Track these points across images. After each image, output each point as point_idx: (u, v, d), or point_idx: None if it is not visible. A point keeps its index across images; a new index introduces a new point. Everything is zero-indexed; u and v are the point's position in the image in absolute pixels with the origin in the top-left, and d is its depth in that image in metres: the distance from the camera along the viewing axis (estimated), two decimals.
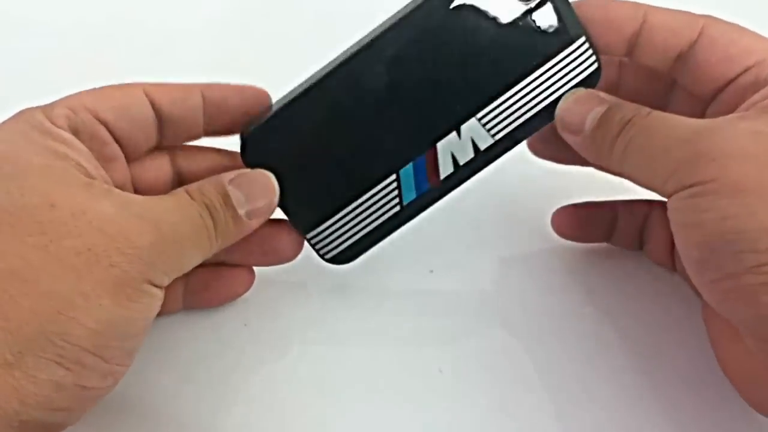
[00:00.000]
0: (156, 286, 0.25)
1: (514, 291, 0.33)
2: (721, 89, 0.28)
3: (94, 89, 0.27)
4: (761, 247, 0.23)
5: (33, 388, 0.22)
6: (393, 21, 0.28)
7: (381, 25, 0.29)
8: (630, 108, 0.27)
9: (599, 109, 0.28)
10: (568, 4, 0.28)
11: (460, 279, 0.34)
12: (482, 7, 0.28)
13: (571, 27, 0.28)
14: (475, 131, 0.29)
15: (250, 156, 0.29)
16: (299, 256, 0.31)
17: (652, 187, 0.26)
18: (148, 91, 0.27)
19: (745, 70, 0.27)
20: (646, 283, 0.33)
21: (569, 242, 0.34)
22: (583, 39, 0.28)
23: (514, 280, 0.34)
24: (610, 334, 0.31)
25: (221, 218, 0.27)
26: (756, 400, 0.27)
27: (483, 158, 0.29)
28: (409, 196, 0.30)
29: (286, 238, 0.31)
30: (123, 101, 0.27)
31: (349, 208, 0.30)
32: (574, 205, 0.33)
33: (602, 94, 0.28)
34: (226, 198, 0.27)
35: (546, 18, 0.28)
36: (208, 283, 0.32)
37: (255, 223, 0.28)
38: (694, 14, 0.28)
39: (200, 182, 0.27)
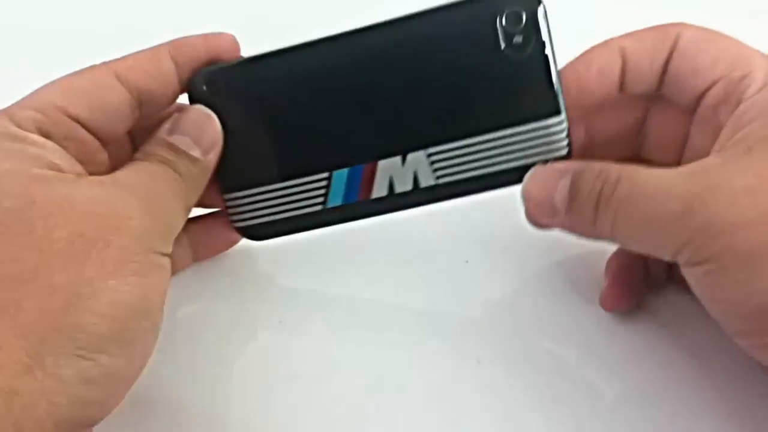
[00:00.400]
0: (161, 254, 0.24)
1: (549, 284, 0.33)
2: (697, 102, 0.28)
3: (61, 81, 0.26)
4: None
5: (60, 387, 0.21)
6: (397, 18, 0.27)
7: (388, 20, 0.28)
8: (592, 175, 0.26)
9: (564, 183, 0.26)
10: (559, 77, 0.27)
11: (495, 270, 0.33)
12: (487, 41, 0.27)
13: (554, 100, 0.27)
14: (420, 165, 0.28)
15: (194, 94, 0.28)
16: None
17: (653, 255, 0.25)
18: (118, 71, 0.26)
19: (713, 84, 0.27)
20: None
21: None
22: (561, 118, 0.27)
23: (549, 270, 0.33)
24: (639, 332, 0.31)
25: (182, 168, 0.27)
26: None
27: (420, 195, 0.29)
28: (335, 200, 0.29)
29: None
30: (95, 92, 0.26)
31: (275, 186, 0.29)
32: (615, 285, 0.31)
33: (558, 165, 0.27)
34: (173, 147, 0.27)
35: (536, 81, 0.27)
36: (209, 228, 0.32)
37: (212, 156, 0.28)
38: (664, 27, 0.28)
39: (143, 146, 0.27)
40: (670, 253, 0.24)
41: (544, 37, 0.27)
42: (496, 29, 0.27)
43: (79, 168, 0.26)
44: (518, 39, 0.27)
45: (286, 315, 0.32)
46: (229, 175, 0.29)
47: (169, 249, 0.25)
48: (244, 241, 0.31)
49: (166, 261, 0.25)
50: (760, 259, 0.22)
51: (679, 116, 0.29)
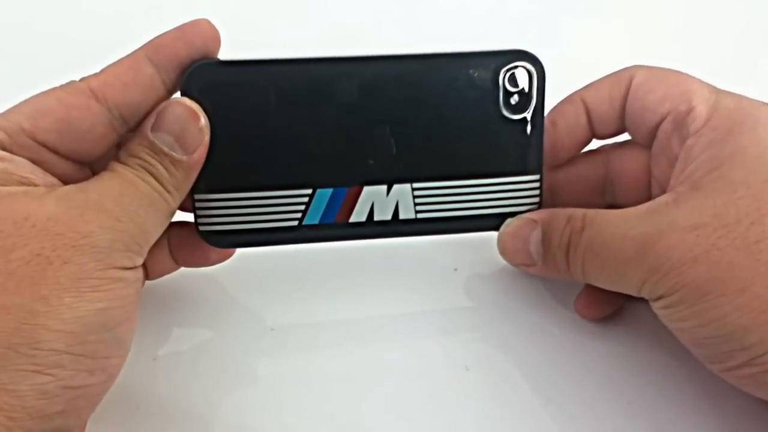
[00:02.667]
0: (123, 268, 0.24)
1: (538, 292, 0.33)
2: (652, 136, 0.29)
3: (31, 101, 0.25)
4: (746, 344, 0.24)
5: (17, 402, 0.21)
6: (408, 54, 0.28)
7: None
8: (559, 225, 0.28)
9: (536, 234, 0.29)
10: (542, 137, 0.29)
11: (484, 278, 0.34)
12: (488, 95, 0.28)
13: (538, 161, 0.29)
14: (403, 197, 0.29)
15: (186, 85, 0.27)
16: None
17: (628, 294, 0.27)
18: (94, 88, 0.25)
19: (663, 119, 0.28)
20: None
21: None
22: (538, 177, 0.29)
23: (539, 280, 0.34)
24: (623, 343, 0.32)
25: (161, 172, 0.26)
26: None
27: (397, 227, 0.29)
28: (312, 218, 0.29)
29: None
30: (66, 115, 0.25)
31: (252, 194, 0.28)
32: (587, 295, 0.32)
33: (530, 215, 0.29)
34: (154, 148, 0.26)
35: (525, 141, 0.29)
36: (190, 237, 0.30)
37: (197, 155, 0.26)
38: (619, 72, 0.30)
39: (127, 145, 0.26)
40: (634, 290, 0.27)
41: (541, 101, 0.29)
42: (497, 85, 0.28)
43: (52, 179, 0.25)
44: (516, 99, 0.28)
45: (275, 321, 0.32)
46: (205, 175, 0.27)
47: (135, 262, 0.25)
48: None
49: (130, 274, 0.24)
50: (708, 292, 0.24)
51: (638, 158, 0.31)
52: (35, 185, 0.24)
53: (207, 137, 0.27)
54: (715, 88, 0.28)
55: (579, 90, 0.31)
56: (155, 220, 0.26)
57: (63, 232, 0.23)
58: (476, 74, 0.28)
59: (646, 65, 0.29)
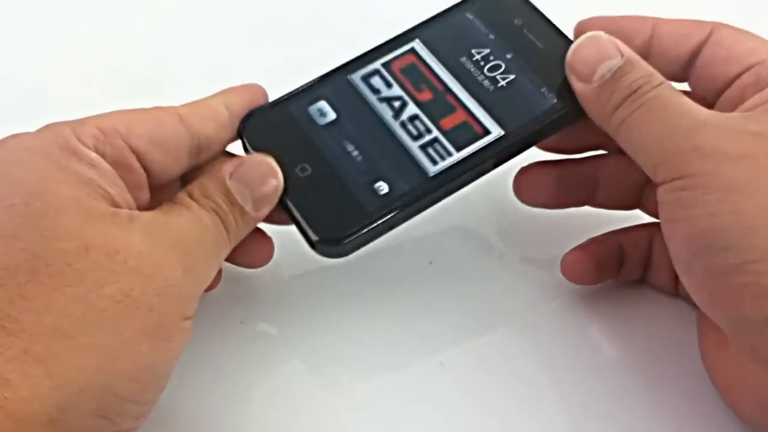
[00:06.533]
0: (189, 318, 0.24)
1: (513, 286, 0.33)
2: (724, 88, 0.28)
3: (128, 111, 0.26)
4: (744, 244, 0.23)
5: None
6: None
7: None
8: (642, 72, 0.27)
9: (613, 63, 0.27)
10: None
11: (459, 272, 0.33)
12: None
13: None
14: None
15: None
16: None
17: (641, 165, 0.26)
18: (181, 114, 0.27)
19: (747, 69, 0.27)
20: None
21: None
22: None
23: (513, 273, 0.33)
24: (607, 332, 0.32)
25: (230, 221, 0.26)
26: (740, 409, 0.27)
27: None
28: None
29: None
30: (158, 128, 0.26)
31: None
32: (582, 250, 0.31)
33: (620, 44, 0.27)
34: (229, 196, 0.26)
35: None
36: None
37: (263, 213, 0.27)
38: (702, 21, 0.28)
39: (201, 182, 0.26)
40: (657, 160, 0.25)
41: None
42: None
43: (129, 198, 0.25)
44: None
45: (247, 315, 0.32)
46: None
47: (195, 311, 0.25)
48: None
49: (190, 323, 0.25)
50: (735, 189, 0.23)
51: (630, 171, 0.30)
52: (115, 202, 0.24)
53: (277, 197, 0.27)
54: None
55: (651, 17, 0.29)
56: (217, 267, 0.26)
57: (152, 275, 0.23)
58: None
59: (724, 23, 0.29)
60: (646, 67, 0.27)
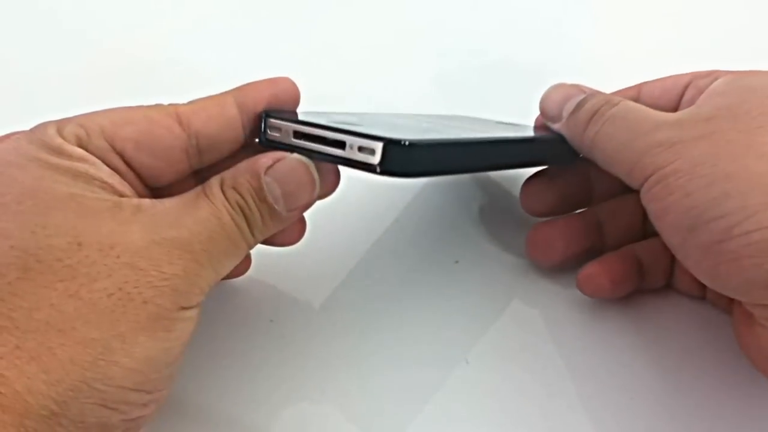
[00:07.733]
0: (192, 307, 0.24)
1: (539, 286, 0.33)
2: (677, 108, 0.30)
3: (118, 109, 0.25)
4: (722, 211, 0.24)
5: (80, 431, 0.22)
6: None
7: None
8: (602, 97, 0.29)
9: (578, 98, 0.30)
10: None
11: (485, 271, 0.33)
12: None
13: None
14: None
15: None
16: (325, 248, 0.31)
17: (619, 176, 0.28)
18: (180, 113, 0.25)
19: (685, 89, 0.30)
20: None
21: None
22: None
23: (540, 274, 0.33)
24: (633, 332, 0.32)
25: (256, 218, 0.25)
26: None
27: None
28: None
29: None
30: (147, 128, 0.25)
31: None
32: (599, 264, 0.31)
33: (584, 87, 0.31)
34: (260, 192, 0.25)
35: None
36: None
37: (294, 216, 0.26)
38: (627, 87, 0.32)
39: (235, 171, 0.25)
40: (629, 165, 0.27)
41: None
42: None
43: (128, 188, 0.24)
44: None
45: (275, 314, 0.32)
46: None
47: (202, 299, 0.24)
48: None
49: (196, 311, 0.24)
50: (702, 162, 0.25)
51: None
52: (118, 191, 0.24)
53: (311, 205, 0.26)
54: None
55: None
56: (233, 262, 0.25)
57: (147, 269, 0.22)
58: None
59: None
60: (605, 94, 0.30)
